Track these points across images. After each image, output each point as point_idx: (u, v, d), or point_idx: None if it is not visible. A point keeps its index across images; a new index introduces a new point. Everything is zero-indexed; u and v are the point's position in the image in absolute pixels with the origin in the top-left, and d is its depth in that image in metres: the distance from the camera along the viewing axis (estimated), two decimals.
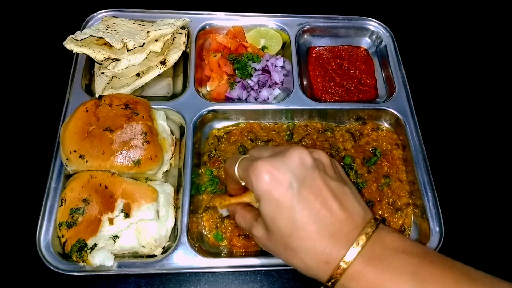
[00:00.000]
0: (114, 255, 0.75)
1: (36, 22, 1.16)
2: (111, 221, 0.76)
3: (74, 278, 0.78)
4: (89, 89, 1.01)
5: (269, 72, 1.07)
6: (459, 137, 1.06)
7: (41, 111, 0.99)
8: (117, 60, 0.94)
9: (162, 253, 0.80)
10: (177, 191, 0.88)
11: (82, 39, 0.92)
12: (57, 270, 0.75)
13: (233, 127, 1.01)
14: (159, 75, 1.00)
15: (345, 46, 1.17)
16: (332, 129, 1.02)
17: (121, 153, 0.80)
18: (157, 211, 0.80)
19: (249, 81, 1.05)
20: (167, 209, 0.81)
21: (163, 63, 0.99)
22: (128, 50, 0.93)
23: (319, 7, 1.23)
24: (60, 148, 0.83)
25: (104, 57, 0.94)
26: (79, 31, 0.96)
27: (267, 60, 1.08)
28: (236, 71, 1.06)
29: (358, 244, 0.53)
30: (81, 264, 0.74)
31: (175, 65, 1.03)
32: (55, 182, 0.84)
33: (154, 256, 0.79)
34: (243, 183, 0.62)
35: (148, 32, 0.97)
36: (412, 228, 0.91)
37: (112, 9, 1.09)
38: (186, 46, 1.05)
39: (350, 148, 0.99)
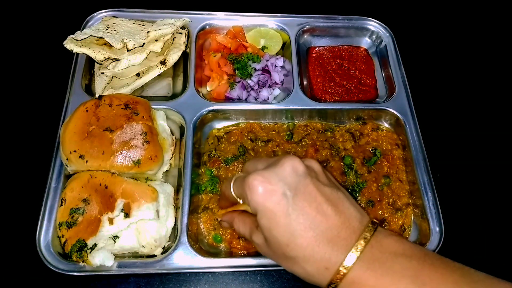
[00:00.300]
0: (114, 255, 0.75)
1: (36, 22, 1.16)
2: (111, 221, 0.76)
3: (74, 278, 0.78)
4: (89, 89, 1.01)
5: (269, 72, 1.07)
6: (459, 137, 1.06)
7: (41, 111, 0.99)
8: (117, 60, 0.94)
9: (162, 253, 0.80)
10: (177, 191, 0.88)
11: (82, 39, 0.92)
12: (57, 270, 0.75)
13: (233, 127, 1.01)
14: (159, 75, 1.00)
15: (345, 46, 1.17)
16: (332, 129, 1.02)
17: (121, 153, 0.80)
18: (157, 211, 0.80)
19: (249, 81, 1.05)
20: (167, 209, 0.81)
21: (163, 63, 0.99)
22: (128, 50, 0.93)
23: (319, 7, 1.23)
24: (60, 148, 0.83)
25: (104, 57, 0.94)
26: (79, 31, 0.96)
27: (267, 60, 1.08)
28: (236, 71, 1.06)
29: (357, 249, 0.53)
30: (81, 264, 0.74)
31: (175, 65, 1.03)
32: (55, 182, 0.84)
33: (154, 256, 0.79)
34: (241, 201, 0.63)
35: (148, 32, 0.97)
36: (412, 228, 0.91)
37: (112, 9, 1.09)
38: (186, 46, 1.05)
39: (350, 148, 0.99)
